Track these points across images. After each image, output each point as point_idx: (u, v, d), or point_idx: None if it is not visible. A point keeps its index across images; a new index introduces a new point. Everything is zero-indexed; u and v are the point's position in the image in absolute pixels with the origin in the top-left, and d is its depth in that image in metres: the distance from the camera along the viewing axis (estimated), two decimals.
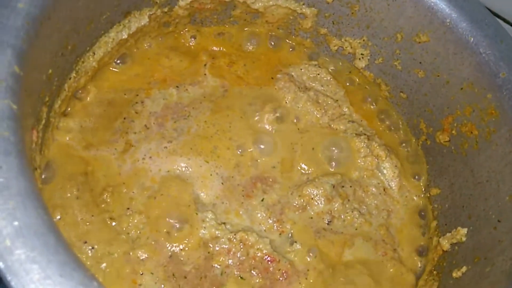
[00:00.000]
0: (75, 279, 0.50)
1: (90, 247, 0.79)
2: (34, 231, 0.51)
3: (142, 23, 0.95)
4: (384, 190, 1.00)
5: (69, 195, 0.83)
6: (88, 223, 0.81)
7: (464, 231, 0.87)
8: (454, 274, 0.82)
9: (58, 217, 0.80)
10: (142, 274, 0.80)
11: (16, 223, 0.51)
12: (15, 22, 0.62)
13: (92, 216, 0.82)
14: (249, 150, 0.96)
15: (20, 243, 0.50)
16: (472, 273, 0.79)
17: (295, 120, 1.02)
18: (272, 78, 1.06)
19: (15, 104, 0.58)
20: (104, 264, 0.78)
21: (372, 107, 1.10)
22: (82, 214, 0.82)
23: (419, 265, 0.94)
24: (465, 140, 0.92)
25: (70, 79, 0.86)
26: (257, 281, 0.84)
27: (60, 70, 0.81)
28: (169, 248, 0.83)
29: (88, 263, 0.77)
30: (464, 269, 0.81)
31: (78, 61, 0.87)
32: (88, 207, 0.83)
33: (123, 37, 0.94)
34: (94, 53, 0.90)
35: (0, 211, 0.50)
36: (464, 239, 0.86)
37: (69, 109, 0.90)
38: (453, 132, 0.95)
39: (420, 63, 0.98)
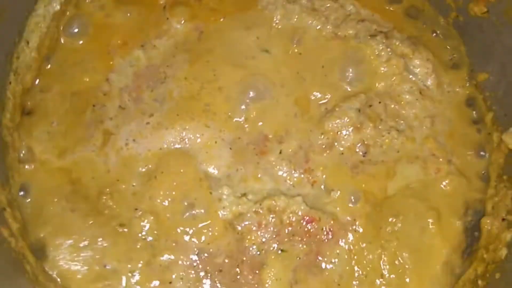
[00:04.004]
0: None
1: (112, 270, 0.71)
2: None
3: None
4: (420, 93, 0.85)
5: (60, 210, 0.73)
6: (100, 238, 0.72)
7: None
8: None
9: (69, 242, 0.71)
10: (171, 282, 0.72)
11: None
12: None
13: (101, 227, 0.73)
14: (247, 97, 0.80)
15: None
16: None
17: (293, 42, 0.85)
18: None
19: None
20: None
21: None
22: (87, 228, 0.73)
23: (483, 171, 0.79)
24: (509, 5, 0.74)
25: (10, 83, 0.72)
26: (301, 248, 0.75)
27: None
28: (193, 244, 0.73)
29: None
30: None
31: (11, 59, 0.72)
32: (91, 217, 0.74)
33: (56, 9, 0.77)
34: (28, 42, 0.75)
35: None
36: None
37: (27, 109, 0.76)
38: None
39: None
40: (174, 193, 0.75)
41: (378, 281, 0.73)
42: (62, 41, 0.80)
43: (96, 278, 0.70)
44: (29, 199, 0.72)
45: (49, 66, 0.79)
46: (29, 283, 0.59)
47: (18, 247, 0.62)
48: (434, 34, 0.88)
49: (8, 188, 0.68)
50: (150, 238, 0.73)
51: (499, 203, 0.74)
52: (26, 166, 0.74)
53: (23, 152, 0.74)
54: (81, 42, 0.81)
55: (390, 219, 0.76)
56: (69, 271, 0.69)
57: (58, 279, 0.68)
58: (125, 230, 0.73)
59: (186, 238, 0.74)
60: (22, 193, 0.72)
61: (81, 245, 0.71)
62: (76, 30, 0.82)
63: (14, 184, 0.70)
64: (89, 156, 0.77)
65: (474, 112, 0.84)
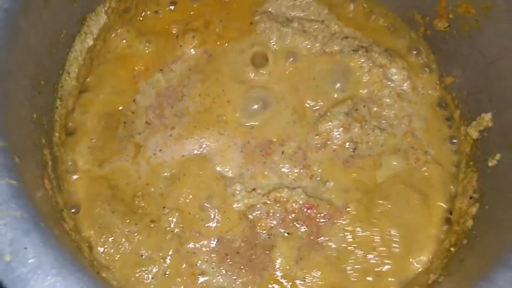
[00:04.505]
0: None
1: (147, 257, 0.83)
2: None
3: (102, 22, 0.91)
4: (398, 96, 0.97)
5: (103, 211, 0.85)
6: (135, 234, 0.84)
7: (488, 116, 0.84)
8: (489, 163, 0.81)
9: (111, 238, 0.83)
10: (198, 265, 0.83)
11: None
12: None
13: (136, 224, 0.85)
14: (252, 108, 0.94)
15: None
16: (507, 159, 0.78)
17: (288, 60, 0.98)
18: (251, 23, 1.01)
19: (13, 179, 0.58)
20: (168, 271, 0.82)
21: (360, 13, 1.03)
22: (125, 226, 0.84)
23: (454, 159, 0.93)
24: (464, 21, 0.87)
25: (57, 108, 0.85)
26: (304, 230, 0.86)
27: (44, 107, 0.80)
28: (213, 233, 0.85)
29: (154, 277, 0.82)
30: (498, 156, 0.80)
31: (56, 88, 0.85)
32: (128, 216, 0.85)
33: (90, 44, 0.90)
34: (69, 73, 0.88)
35: None
36: (490, 124, 0.84)
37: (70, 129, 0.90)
38: (451, 16, 0.89)
39: None
40: (195, 191, 0.87)
41: (371, 254, 0.84)
42: (95, 70, 0.93)
43: (134, 265, 0.82)
44: (78, 203, 0.84)
45: (86, 91, 0.91)
46: (89, 267, 0.74)
47: (76, 239, 0.77)
48: (408, 46, 1.00)
49: (61, 194, 0.82)
50: (177, 230, 0.84)
51: (467, 185, 0.86)
52: (73, 176, 0.86)
53: (69, 164, 0.87)
54: (110, 69, 0.93)
55: (380, 202, 0.88)
56: (113, 261, 0.81)
57: (106, 267, 0.82)
58: (156, 225, 0.84)
59: (207, 228, 0.85)
60: (71, 198, 0.84)
61: (121, 240, 0.83)
62: (105, 60, 0.94)
63: (65, 191, 0.84)
64: (124, 166, 0.88)
65: (445, 111, 0.96)
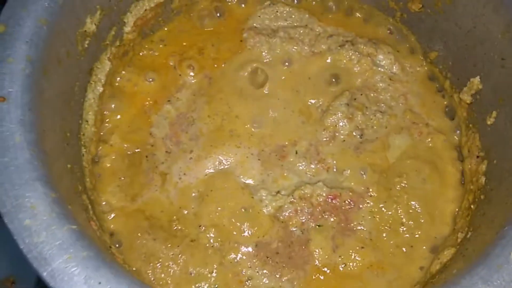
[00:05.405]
0: None
1: (196, 274, 0.88)
2: None
3: (107, 69, 0.97)
4: (390, 79, 1.04)
5: (145, 241, 0.90)
6: (180, 255, 0.89)
7: (477, 79, 0.91)
8: (488, 122, 0.88)
9: (159, 264, 0.88)
10: (243, 272, 0.88)
11: None
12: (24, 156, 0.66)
13: (178, 246, 0.89)
14: (260, 118, 1.00)
15: None
16: (503, 114, 0.85)
17: (282, 67, 1.05)
18: (241, 40, 1.07)
19: (73, 224, 0.64)
20: (217, 284, 0.87)
21: (338, 12, 1.11)
22: (169, 250, 0.89)
23: (454, 126, 1.00)
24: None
25: (83, 155, 0.90)
26: (333, 220, 0.92)
27: (73, 156, 0.86)
28: (250, 240, 0.90)
29: None
30: (494, 113, 0.86)
31: (79, 137, 0.90)
32: (169, 240, 0.90)
33: (100, 91, 0.96)
34: (87, 121, 0.93)
35: None
36: (480, 86, 0.91)
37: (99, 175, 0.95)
38: None
39: None
40: (224, 205, 0.92)
41: (400, 229, 0.90)
42: (109, 113, 0.99)
43: (185, 283, 0.86)
44: (121, 239, 0.89)
45: (104, 135, 0.96)
46: None
47: (130, 271, 0.82)
48: (388, 32, 1.08)
49: (105, 233, 0.87)
50: (216, 244, 0.89)
51: (472, 146, 0.93)
52: (110, 216, 0.90)
53: (104, 204, 0.91)
54: (122, 110, 0.99)
55: (396, 180, 0.94)
56: (166, 285, 0.86)
57: None
58: (196, 243, 0.89)
59: (244, 236, 0.90)
60: (113, 235, 0.90)
61: (169, 263, 0.87)
62: (116, 102, 0.99)
63: (106, 229, 0.89)
64: (154, 195, 0.93)
65: (435, 83, 1.03)
